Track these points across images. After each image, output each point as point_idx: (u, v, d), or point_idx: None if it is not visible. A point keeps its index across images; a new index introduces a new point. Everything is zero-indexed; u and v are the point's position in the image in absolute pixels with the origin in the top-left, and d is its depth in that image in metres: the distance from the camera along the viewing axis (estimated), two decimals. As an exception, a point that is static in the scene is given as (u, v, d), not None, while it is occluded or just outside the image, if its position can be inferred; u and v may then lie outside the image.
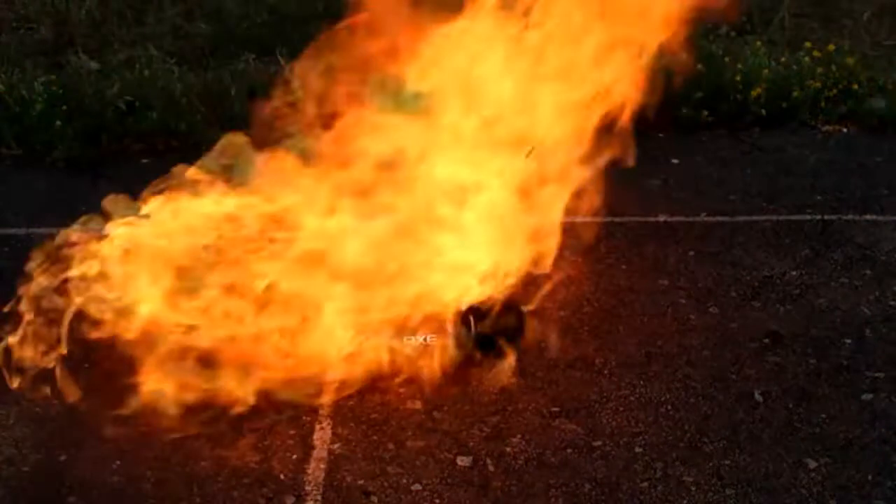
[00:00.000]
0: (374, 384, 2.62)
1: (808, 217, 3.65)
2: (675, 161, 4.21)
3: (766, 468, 2.33)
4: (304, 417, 2.50)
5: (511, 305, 2.81)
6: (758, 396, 2.60)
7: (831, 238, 3.48)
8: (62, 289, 2.68)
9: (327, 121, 2.92)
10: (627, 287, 3.14)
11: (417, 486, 2.27)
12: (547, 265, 2.90)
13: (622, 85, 2.94)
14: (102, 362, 2.70)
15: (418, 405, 2.55)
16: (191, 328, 2.64)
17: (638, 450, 2.39)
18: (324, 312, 2.70)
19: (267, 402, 2.55)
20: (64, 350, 2.62)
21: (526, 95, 2.87)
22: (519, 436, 2.44)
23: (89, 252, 2.74)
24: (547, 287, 2.98)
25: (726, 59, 4.83)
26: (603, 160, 2.98)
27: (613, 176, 3.98)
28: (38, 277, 2.71)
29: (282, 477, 2.30)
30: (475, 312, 2.74)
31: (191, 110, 4.50)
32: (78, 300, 2.65)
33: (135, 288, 2.67)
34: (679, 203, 3.78)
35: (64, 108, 4.29)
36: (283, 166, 2.86)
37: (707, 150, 4.36)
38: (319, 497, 2.23)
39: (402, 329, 2.67)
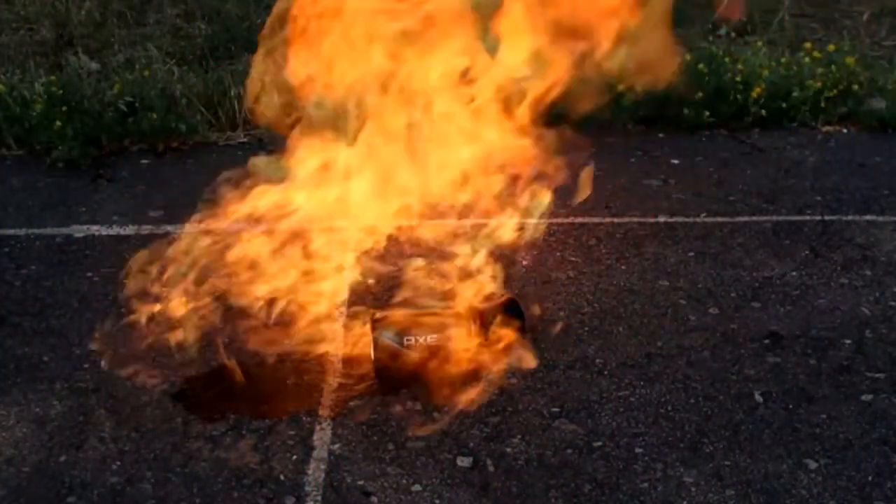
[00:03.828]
0: (374, 385, 2.62)
1: (808, 217, 3.65)
2: (675, 161, 4.22)
3: (766, 468, 2.33)
4: (304, 418, 2.50)
5: (511, 304, 2.82)
6: (758, 396, 2.60)
7: (831, 238, 3.48)
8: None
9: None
10: (627, 287, 3.14)
11: (417, 487, 2.27)
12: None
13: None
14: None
15: (418, 405, 2.55)
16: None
17: (638, 450, 2.39)
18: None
19: (267, 403, 2.56)
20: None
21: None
22: (519, 436, 2.44)
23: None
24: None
25: (726, 59, 4.84)
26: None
27: (613, 176, 4.02)
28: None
29: (282, 478, 2.30)
30: (476, 313, 2.74)
31: (191, 110, 4.51)
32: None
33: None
34: (679, 203, 3.78)
35: (64, 108, 4.29)
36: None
37: (707, 150, 4.37)
38: (319, 497, 2.24)
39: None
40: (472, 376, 2.65)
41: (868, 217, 3.66)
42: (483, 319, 2.72)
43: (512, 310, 2.80)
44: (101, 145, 4.26)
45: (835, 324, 2.94)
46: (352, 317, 2.91)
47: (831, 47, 5.06)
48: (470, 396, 2.58)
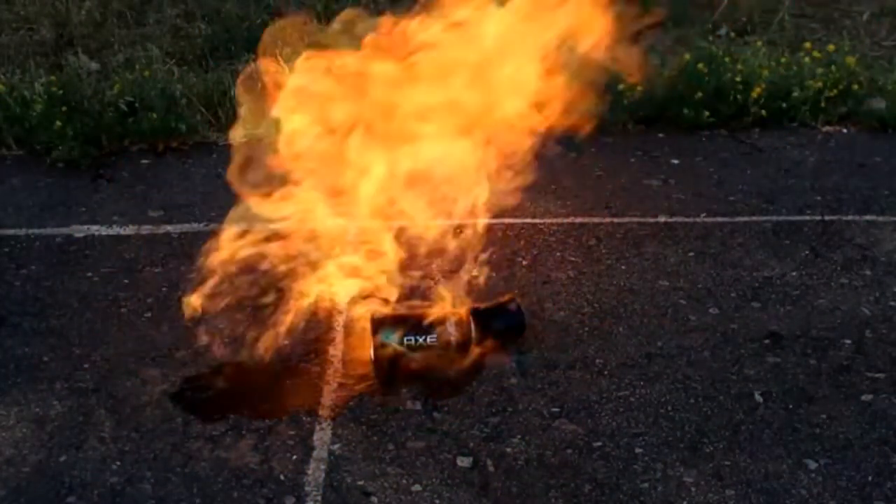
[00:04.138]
0: (374, 385, 2.62)
1: (808, 217, 3.65)
2: (675, 161, 4.22)
3: (766, 469, 2.33)
4: (304, 418, 2.50)
5: (511, 305, 2.82)
6: (758, 397, 2.60)
7: (831, 238, 3.48)
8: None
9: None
10: (627, 287, 3.14)
11: (417, 487, 2.27)
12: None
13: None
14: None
15: (418, 405, 2.55)
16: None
17: (638, 450, 2.39)
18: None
19: (267, 403, 2.56)
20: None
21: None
22: (519, 436, 2.44)
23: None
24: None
25: (726, 59, 4.84)
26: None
27: (613, 176, 4.02)
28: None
29: (282, 478, 2.30)
30: (476, 313, 2.74)
31: (191, 111, 4.50)
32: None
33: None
34: (679, 203, 3.78)
35: (64, 108, 4.29)
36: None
37: (707, 150, 4.36)
38: (319, 498, 2.24)
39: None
40: (472, 376, 2.66)
41: (868, 217, 3.66)
42: (482, 319, 2.72)
43: (512, 310, 2.80)
44: (101, 145, 4.26)
45: (835, 324, 2.94)
46: (352, 317, 2.91)
47: (831, 47, 5.06)
48: (470, 396, 2.58)
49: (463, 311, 2.76)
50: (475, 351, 2.71)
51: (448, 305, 2.85)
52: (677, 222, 3.62)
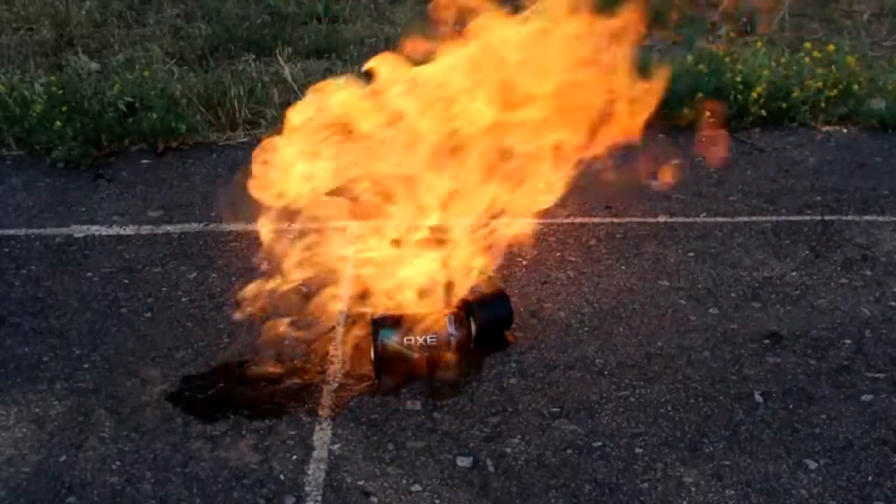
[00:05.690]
0: (374, 385, 2.62)
1: (808, 217, 3.65)
2: (675, 161, 4.22)
3: (765, 469, 2.33)
4: (304, 418, 2.50)
5: (499, 295, 2.82)
6: (758, 397, 2.60)
7: (831, 238, 3.48)
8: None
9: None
10: (627, 287, 3.14)
11: (417, 487, 2.27)
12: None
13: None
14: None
15: (418, 405, 2.55)
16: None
17: (638, 450, 2.39)
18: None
19: (267, 403, 2.56)
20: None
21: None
22: (519, 436, 2.44)
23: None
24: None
25: (726, 59, 4.84)
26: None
27: (613, 176, 4.02)
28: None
29: (282, 478, 2.30)
30: (473, 311, 2.73)
31: (191, 111, 4.51)
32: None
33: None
34: (679, 203, 3.78)
35: (64, 108, 4.29)
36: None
37: (707, 150, 4.36)
38: (319, 498, 2.24)
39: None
40: (472, 376, 2.65)
41: (868, 217, 3.66)
42: (473, 313, 2.72)
43: (500, 303, 2.79)
44: (101, 145, 4.26)
45: (835, 324, 2.94)
46: (352, 317, 2.91)
47: (831, 47, 5.07)
48: (470, 396, 2.58)
49: (457, 307, 2.75)
50: (475, 349, 2.71)
51: (447, 304, 2.85)
52: (677, 222, 3.62)
